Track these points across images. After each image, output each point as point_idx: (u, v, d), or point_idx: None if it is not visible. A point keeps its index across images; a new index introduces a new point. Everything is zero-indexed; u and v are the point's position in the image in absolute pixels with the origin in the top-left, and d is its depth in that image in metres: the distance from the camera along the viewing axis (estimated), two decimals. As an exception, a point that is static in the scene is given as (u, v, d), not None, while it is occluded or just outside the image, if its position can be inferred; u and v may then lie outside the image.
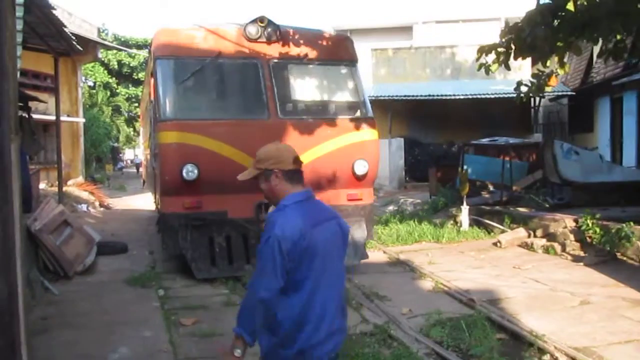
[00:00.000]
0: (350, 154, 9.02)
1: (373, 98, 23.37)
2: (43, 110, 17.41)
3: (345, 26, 41.13)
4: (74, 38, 10.63)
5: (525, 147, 16.15)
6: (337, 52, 9.60)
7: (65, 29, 9.72)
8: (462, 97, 21.61)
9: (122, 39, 45.82)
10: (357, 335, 6.12)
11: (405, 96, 22.23)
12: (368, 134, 9.21)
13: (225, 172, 7.95)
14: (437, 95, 21.84)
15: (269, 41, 9.07)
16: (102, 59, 42.20)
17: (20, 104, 8.48)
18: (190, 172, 8.32)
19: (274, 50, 9.09)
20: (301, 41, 9.34)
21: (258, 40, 9.04)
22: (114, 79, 43.81)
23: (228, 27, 9.25)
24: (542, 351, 5.62)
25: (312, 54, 9.33)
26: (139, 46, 46.99)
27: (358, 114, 9.43)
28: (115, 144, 39.66)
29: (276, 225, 2.76)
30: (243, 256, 8.71)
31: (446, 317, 6.56)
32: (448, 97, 21.74)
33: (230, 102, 9.23)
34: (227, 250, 8.70)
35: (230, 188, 7.49)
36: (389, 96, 22.50)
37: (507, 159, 14.38)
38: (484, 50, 9.91)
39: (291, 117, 9.09)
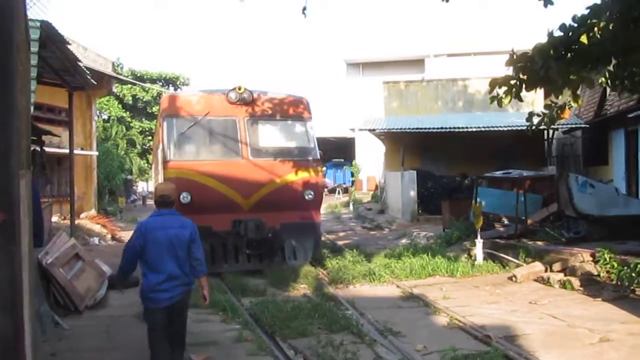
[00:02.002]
0: (301, 185, 12.47)
1: (385, 130, 23.48)
2: (57, 143, 17.57)
3: (357, 59, 41.54)
4: (88, 72, 10.75)
5: (539, 180, 15.97)
6: (295, 111, 13.16)
7: (80, 64, 9.84)
8: (474, 129, 21.55)
9: (138, 74, 46.46)
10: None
11: (417, 129, 22.21)
12: (314, 171, 12.79)
13: (210, 198, 11.85)
14: (449, 128, 21.80)
15: (244, 103, 12.64)
16: (117, 93, 42.77)
17: (34, 137, 8.54)
18: (185, 197, 11.62)
19: (248, 110, 12.66)
20: (268, 103, 12.95)
21: (236, 103, 12.61)
22: (128, 112, 44.29)
23: (215, 93, 12.94)
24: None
25: (276, 112, 12.96)
26: (153, 80, 47.62)
27: (309, 157, 12.84)
28: (129, 177, 39.84)
29: (140, 223, 5.80)
30: (222, 258, 12.15)
31: (462, 355, 6.42)
32: (460, 130, 21.69)
33: (215, 148, 12.55)
34: (210, 254, 11.65)
35: (214, 209, 11.65)
36: (401, 129, 22.51)
37: (521, 191, 14.23)
38: (496, 83, 9.88)
39: (259, 158, 12.42)
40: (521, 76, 9.70)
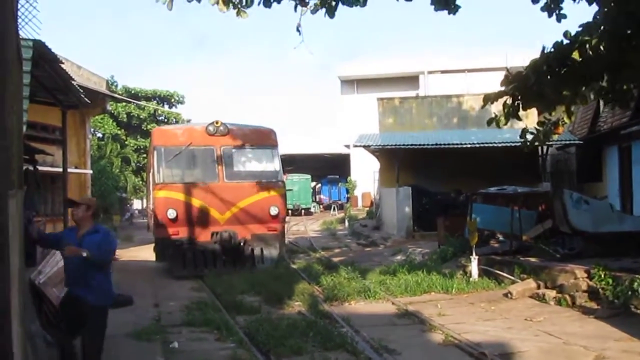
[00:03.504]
0: (268, 202, 15.00)
1: (380, 147, 23.52)
2: (51, 162, 17.46)
3: (352, 76, 41.75)
4: (82, 91, 10.75)
5: (534, 196, 16.00)
6: (264, 140, 15.76)
7: (73, 82, 9.83)
8: (468, 145, 21.64)
9: (132, 91, 46.48)
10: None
11: (412, 145, 22.27)
12: (278, 191, 15.39)
13: (193, 214, 14.59)
14: (444, 144, 21.87)
15: (221, 135, 15.15)
16: (112, 111, 42.74)
17: (27, 156, 8.52)
18: (171, 213, 14.39)
19: (223, 141, 15.16)
20: (241, 134, 15.52)
21: (214, 135, 15.12)
22: (122, 130, 44.22)
23: (196, 127, 15.92)
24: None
25: (248, 142, 15.45)
26: (148, 98, 47.63)
27: (274, 179, 15.48)
28: (124, 195, 39.72)
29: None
30: (203, 263, 14.48)
31: (458, 373, 6.37)
32: (455, 146, 21.76)
33: (196, 172, 15.10)
34: (193, 262, 14.43)
35: (196, 222, 14.58)
36: (395, 145, 22.56)
37: (515, 208, 14.24)
38: (489, 98, 9.93)
39: (233, 180, 15.01)
40: (516, 95, 9.75)
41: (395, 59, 40.90)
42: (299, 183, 45.01)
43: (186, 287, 13.01)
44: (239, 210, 14.83)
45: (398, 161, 22.99)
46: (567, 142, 21.84)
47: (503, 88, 9.66)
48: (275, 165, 15.61)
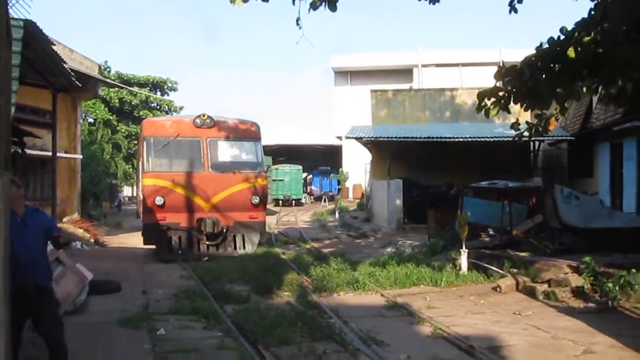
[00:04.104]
0: (250, 192, 15.82)
1: (372, 139, 23.48)
2: (41, 146, 17.35)
3: (345, 68, 41.63)
4: (73, 74, 10.62)
5: (525, 191, 16.04)
6: (247, 133, 16.50)
7: (64, 65, 9.69)
8: (461, 139, 21.63)
9: (125, 77, 46.13)
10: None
11: (404, 138, 22.25)
12: (260, 181, 16.16)
13: (179, 201, 15.38)
14: (436, 138, 21.86)
15: (207, 127, 15.89)
16: (104, 96, 42.38)
17: (15, 139, 8.40)
18: (159, 200, 15.13)
19: (209, 133, 15.90)
20: (226, 127, 16.27)
21: (201, 127, 15.86)
22: (114, 116, 43.88)
23: (184, 119, 16.78)
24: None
25: (232, 134, 16.23)
26: (141, 84, 47.30)
27: (257, 169, 16.34)
28: (114, 181, 39.47)
29: None
30: (187, 248, 15.36)
31: (446, 365, 6.36)
32: (447, 140, 21.75)
33: (183, 162, 15.88)
34: (179, 245, 15.29)
35: (182, 209, 15.36)
36: (387, 137, 22.53)
37: (506, 202, 14.25)
38: (484, 94, 9.90)
39: (217, 171, 15.79)
40: (509, 89, 9.73)
41: (389, 51, 40.85)
42: (290, 174, 44.96)
43: (175, 275, 12.96)
44: (223, 198, 15.64)
45: (390, 154, 22.97)
46: (560, 137, 21.88)
47: (496, 82, 9.64)
48: (258, 156, 16.50)
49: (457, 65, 36.13)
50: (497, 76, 9.66)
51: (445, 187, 22.92)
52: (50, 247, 9.73)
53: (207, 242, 15.64)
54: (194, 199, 15.50)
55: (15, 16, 6.69)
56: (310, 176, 51.54)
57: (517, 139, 10.87)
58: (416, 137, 22.05)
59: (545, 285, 10.20)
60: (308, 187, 51.01)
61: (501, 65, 9.71)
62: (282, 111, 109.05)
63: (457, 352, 7.08)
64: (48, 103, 15.31)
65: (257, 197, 15.89)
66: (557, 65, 9.11)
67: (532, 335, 7.68)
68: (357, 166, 36.34)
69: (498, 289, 10.73)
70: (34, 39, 7.67)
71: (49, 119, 19.29)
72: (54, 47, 8.73)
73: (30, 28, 7.21)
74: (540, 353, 6.90)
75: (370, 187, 29.38)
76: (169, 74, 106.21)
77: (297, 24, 8.94)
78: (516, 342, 7.38)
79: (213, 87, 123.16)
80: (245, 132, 16.48)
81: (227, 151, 16.24)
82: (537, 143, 22.36)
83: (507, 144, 20.48)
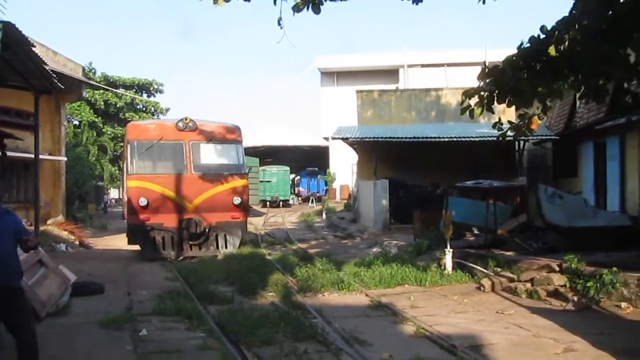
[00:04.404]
0: (231, 193, 16.29)
1: (358, 139, 23.51)
2: (24, 148, 17.20)
3: (332, 68, 41.69)
4: (54, 76, 10.56)
5: (509, 190, 16.12)
6: (229, 136, 16.91)
7: (45, 67, 9.63)
8: (446, 139, 21.72)
9: (110, 79, 45.85)
10: (335, 383, 5.93)
11: (390, 138, 22.31)
12: (241, 182, 16.66)
13: (162, 202, 15.80)
14: (422, 138, 21.93)
15: (189, 130, 16.27)
16: (89, 99, 42.10)
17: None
18: (142, 201, 15.55)
19: (192, 136, 16.28)
20: (208, 130, 16.68)
21: (184, 130, 16.24)
22: (99, 118, 43.59)
23: (167, 122, 17.48)
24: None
25: (214, 137, 16.64)
26: (127, 86, 47.05)
27: (238, 172, 16.76)
28: (100, 183, 39.24)
29: None
30: (171, 247, 15.84)
31: (428, 364, 6.38)
32: (432, 140, 21.83)
33: (166, 164, 16.22)
34: (162, 245, 15.74)
35: (165, 210, 15.79)
36: (373, 138, 22.58)
37: (491, 202, 14.32)
38: (468, 94, 9.93)
39: (199, 172, 16.20)
40: (492, 88, 9.77)
41: (375, 52, 40.97)
42: (277, 175, 44.89)
43: (160, 277, 12.92)
44: (205, 199, 16.07)
45: (376, 154, 23.00)
46: (544, 137, 22.03)
47: (479, 83, 9.69)
48: (239, 159, 16.96)
49: (442, 65, 36.20)
50: (481, 77, 9.71)
51: (431, 187, 23.01)
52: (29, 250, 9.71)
53: (190, 242, 16.08)
54: (177, 200, 15.93)
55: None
56: (298, 177, 51.49)
57: (500, 138, 10.91)
58: (401, 138, 22.13)
59: (528, 284, 10.24)
60: (296, 188, 50.95)
61: (484, 65, 9.74)
62: (268, 112, 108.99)
63: (439, 351, 7.11)
64: (32, 105, 15.19)
65: (239, 198, 16.36)
66: (538, 64, 9.16)
67: (514, 334, 7.73)
68: (344, 167, 36.40)
69: (482, 288, 10.78)
70: (13, 40, 7.60)
71: (32, 121, 19.17)
72: (34, 49, 8.66)
73: (9, 30, 7.15)
74: (521, 351, 6.94)
75: (356, 187, 29.42)
76: (155, 75, 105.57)
77: (279, 24, 8.91)
78: (498, 340, 7.42)
79: (199, 88, 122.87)
80: (226, 135, 16.93)
81: (209, 154, 16.62)
82: (521, 142, 22.48)
83: (492, 143, 20.55)
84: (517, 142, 22.53)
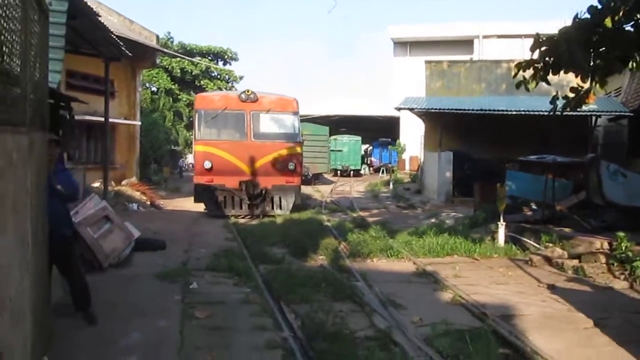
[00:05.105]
0: (287, 159, 17.79)
1: (424, 110, 23.40)
2: (102, 113, 18.21)
3: (405, 38, 41.24)
4: (121, 44, 11.19)
5: (572, 167, 15.76)
6: (286, 107, 18.32)
7: (112, 36, 10.25)
8: (514, 112, 21.30)
9: (187, 47, 47.17)
10: (361, 339, 6.27)
11: (456, 110, 22.08)
12: (296, 150, 18.07)
13: (224, 165, 17.39)
14: (489, 110, 21.58)
15: (251, 101, 17.78)
16: (166, 66, 43.50)
17: (63, 104, 9.04)
18: (207, 164, 17.30)
19: (253, 107, 17.79)
20: (267, 101, 18.11)
21: (246, 101, 17.79)
22: (176, 85, 45.06)
23: (231, 94, 20.07)
24: (541, 368, 5.63)
25: (273, 108, 18.04)
26: (202, 54, 48.25)
27: (293, 140, 18.11)
28: (176, 148, 40.70)
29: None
30: (231, 206, 17.68)
31: (455, 329, 6.61)
32: (499, 112, 21.45)
33: (229, 132, 17.96)
34: (224, 204, 17.59)
35: (227, 173, 17.37)
36: (439, 109, 22.42)
37: (550, 177, 14.10)
38: (521, 66, 9.86)
39: (258, 140, 17.72)
40: (547, 59, 9.65)
41: (450, 22, 40.16)
42: (348, 144, 44.97)
43: (220, 237, 13.53)
44: (263, 164, 17.60)
45: (441, 126, 22.86)
46: (617, 113, 21.20)
47: (532, 54, 9.58)
48: (295, 128, 18.29)
49: (519, 36, 35.15)
50: (534, 47, 9.60)
51: (496, 160, 22.67)
52: (102, 203, 10.50)
53: (248, 202, 17.67)
54: (238, 164, 17.49)
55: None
56: (371, 147, 51.33)
57: (552, 113, 10.74)
58: (467, 110, 21.84)
59: (575, 261, 10.21)
60: (368, 159, 50.88)
61: (537, 36, 9.61)
62: (343, 82, 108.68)
63: (470, 318, 7.30)
64: (110, 73, 16.25)
65: (293, 164, 17.87)
66: (594, 37, 8.97)
67: (549, 307, 7.81)
68: (414, 138, 36.18)
69: (529, 262, 10.79)
70: (79, 11, 8.20)
71: (111, 88, 20.23)
72: (99, 17, 9.27)
73: (76, 1, 7.73)
74: (550, 323, 7.04)
75: (423, 159, 29.33)
76: (233, 44, 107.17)
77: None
78: (531, 312, 7.54)
79: (273, 57, 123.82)
80: (284, 107, 18.31)
81: (267, 123, 18.01)
82: (594, 118, 21.76)
83: (564, 117, 19.98)
84: (590, 118, 21.84)
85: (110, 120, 17.25)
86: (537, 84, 9.91)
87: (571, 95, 10.42)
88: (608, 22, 8.47)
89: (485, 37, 37.18)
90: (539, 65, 9.73)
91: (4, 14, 3.49)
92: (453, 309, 7.76)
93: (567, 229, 12.60)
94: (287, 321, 6.92)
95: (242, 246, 12.10)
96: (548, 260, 10.70)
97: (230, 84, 48.63)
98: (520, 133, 22.12)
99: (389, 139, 47.78)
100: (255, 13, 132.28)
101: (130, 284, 8.46)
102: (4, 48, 3.55)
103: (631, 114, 20.92)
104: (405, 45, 41.55)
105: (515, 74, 9.83)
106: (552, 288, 8.89)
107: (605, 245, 10.12)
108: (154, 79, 42.67)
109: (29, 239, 4.39)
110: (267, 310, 7.28)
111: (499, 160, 22.21)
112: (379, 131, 49.92)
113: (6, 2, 3.59)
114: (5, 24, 3.51)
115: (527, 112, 21.23)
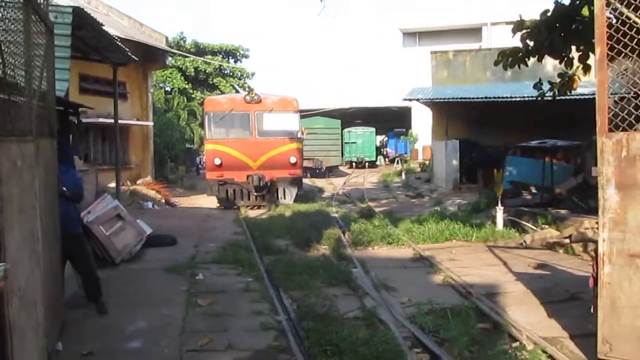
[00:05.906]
0: (288, 153, 19.53)
1: (429, 100, 23.73)
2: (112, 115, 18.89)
3: (413, 28, 41.42)
4: (127, 49, 11.77)
5: (572, 150, 16.08)
6: (287, 107, 19.98)
7: (117, 42, 10.84)
8: (518, 98, 21.52)
9: (200, 46, 47.83)
10: (349, 319, 6.77)
11: (461, 98, 22.39)
12: (296, 145, 19.86)
13: (233, 161, 19.20)
14: (492, 98, 21.83)
15: (255, 102, 19.53)
16: (180, 66, 44.20)
17: (71, 110, 9.63)
18: (217, 161, 19.10)
19: (257, 107, 19.55)
20: (269, 102, 19.88)
21: (250, 102, 19.52)
22: (190, 84, 45.78)
23: (237, 96, 21.68)
24: (514, 339, 6.08)
25: (275, 107, 19.76)
26: (215, 52, 48.88)
27: (294, 136, 19.86)
28: (192, 146, 41.39)
29: None
30: (240, 198, 19.45)
31: (440, 307, 7.07)
32: (504, 99, 21.69)
33: (235, 131, 19.78)
34: (233, 196, 19.42)
35: (235, 168, 19.15)
36: (444, 98, 22.75)
37: (548, 160, 14.45)
38: (505, 54, 10.26)
39: (262, 137, 19.50)
40: (528, 44, 10.02)
41: (458, 10, 40.25)
42: (362, 136, 45.14)
43: (229, 232, 14.05)
44: (267, 159, 19.39)
45: (447, 114, 23.20)
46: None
47: (513, 35, 9.95)
48: (295, 126, 20.15)
49: (528, 22, 35.18)
50: (516, 29, 9.97)
51: (503, 147, 22.94)
52: (114, 202, 11.09)
53: (255, 194, 19.47)
54: (245, 160, 19.31)
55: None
56: (386, 138, 51.43)
57: (539, 98, 11.10)
58: (472, 98, 22.12)
59: (567, 240, 10.57)
60: (383, 150, 51.05)
61: (520, 18, 9.95)
62: (356, 74, 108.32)
63: (457, 297, 7.77)
64: (124, 75, 17.02)
65: (294, 158, 19.66)
66: (573, 24, 9.31)
67: (533, 284, 8.21)
68: (426, 128, 36.41)
69: (523, 243, 11.19)
70: (84, 22, 8.78)
71: (123, 90, 20.92)
72: (103, 27, 9.84)
73: (79, 13, 8.31)
74: (530, 299, 7.48)
75: (432, 148, 29.66)
76: (250, 42, 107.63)
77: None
78: (514, 289, 8.00)
79: (283, 51, 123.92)
80: (285, 106, 20.06)
81: (270, 121, 19.69)
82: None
83: (570, 102, 20.18)
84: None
85: (123, 121, 17.96)
86: (513, 65, 10.32)
87: (557, 80, 10.78)
88: (585, 11, 8.81)
89: (493, 24, 37.27)
90: (520, 54, 10.09)
91: (6, 28, 4.00)
92: (441, 290, 8.24)
93: (564, 211, 12.97)
94: (284, 306, 7.44)
95: (250, 239, 12.62)
96: (540, 241, 11.08)
97: (242, 81, 49.21)
98: (526, 119, 22.30)
99: (404, 130, 47.92)
100: (269, 6, 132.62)
101: (140, 277, 9.03)
102: (6, 60, 4.04)
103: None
104: (414, 36, 41.77)
105: (497, 62, 10.25)
106: (540, 267, 9.33)
107: (594, 224, 10.45)
108: (168, 79, 43.43)
109: (39, 236, 4.94)
110: (265, 296, 7.80)
111: (506, 147, 22.53)
112: (395, 122, 50.04)
113: (8, 16, 4.09)
114: (7, 37, 4.01)
115: (531, 98, 21.40)
